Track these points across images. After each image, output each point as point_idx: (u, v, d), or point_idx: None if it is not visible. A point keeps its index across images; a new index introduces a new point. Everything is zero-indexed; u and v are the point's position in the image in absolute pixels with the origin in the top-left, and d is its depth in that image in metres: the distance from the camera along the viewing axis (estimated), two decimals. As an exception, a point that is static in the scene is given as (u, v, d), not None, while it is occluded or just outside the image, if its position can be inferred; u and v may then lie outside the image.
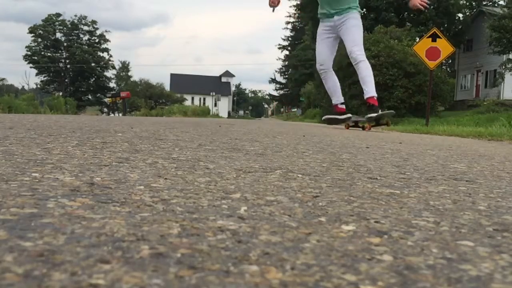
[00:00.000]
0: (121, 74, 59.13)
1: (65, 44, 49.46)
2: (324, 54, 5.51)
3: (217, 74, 67.71)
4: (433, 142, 3.29)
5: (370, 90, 5.46)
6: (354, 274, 0.47)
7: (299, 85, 42.96)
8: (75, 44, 49.30)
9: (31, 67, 48.41)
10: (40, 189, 0.79)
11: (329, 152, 1.86)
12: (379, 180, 1.14)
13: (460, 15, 32.18)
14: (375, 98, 5.41)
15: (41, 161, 1.12)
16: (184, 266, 0.46)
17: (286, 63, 56.21)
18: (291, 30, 55.53)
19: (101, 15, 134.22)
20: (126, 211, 0.67)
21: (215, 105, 42.42)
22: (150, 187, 0.88)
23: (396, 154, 1.98)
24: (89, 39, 50.99)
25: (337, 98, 5.77)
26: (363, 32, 5.71)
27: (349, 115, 5.87)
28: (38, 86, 50.74)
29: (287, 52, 56.13)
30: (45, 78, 49.63)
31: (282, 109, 74.47)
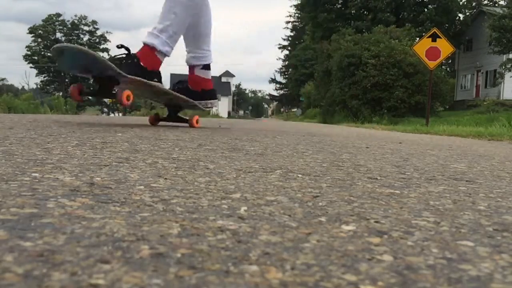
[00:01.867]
0: (121, 74, 59.02)
1: (65, 44, 49.44)
2: None
3: (217, 74, 67.72)
4: (433, 142, 3.29)
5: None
6: (354, 274, 0.47)
7: (299, 85, 42.94)
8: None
9: (31, 67, 48.44)
10: (40, 189, 0.79)
11: (329, 152, 1.86)
12: (379, 180, 1.14)
13: (461, 15, 32.16)
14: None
15: (41, 161, 1.12)
16: (184, 266, 0.46)
17: (286, 63, 56.22)
18: (291, 30, 55.52)
19: (100, 15, 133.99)
20: (126, 211, 0.67)
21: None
22: (150, 187, 0.88)
23: (396, 154, 1.98)
24: (89, 39, 51.00)
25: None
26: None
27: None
28: (38, 86, 50.75)
29: (287, 52, 56.13)
30: (45, 78, 49.64)
31: (282, 109, 74.49)
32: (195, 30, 3.12)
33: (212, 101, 3.32)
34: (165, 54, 2.92)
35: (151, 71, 2.81)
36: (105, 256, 0.47)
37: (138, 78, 2.67)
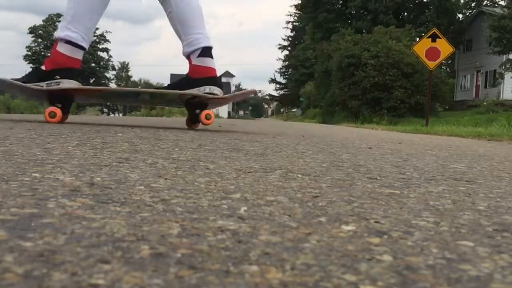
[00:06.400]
0: (121, 74, 59.10)
1: (65, 44, 49.45)
2: None
3: (217, 75, 67.73)
4: (433, 142, 3.29)
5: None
6: (354, 274, 0.47)
7: (299, 85, 42.96)
8: (75, 44, 49.32)
9: (31, 67, 48.43)
10: (40, 189, 0.79)
11: (329, 152, 1.86)
12: (379, 180, 1.14)
13: (460, 15, 32.16)
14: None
15: (41, 161, 1.12)
16: (184, 266, 0.46)
17: (286, 63, 56.26)
18: (291, 30, 55.50)
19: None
20: (126, 211, 0.67)
21: (215, 105, 42.29)
22: (150, 187, 0.88)
23: (396, 154, 1.98)
24: (89, 39, 51.02)
25: None
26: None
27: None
28: (38, 86, 50.71)
29: (287, 52, 56.16)
30: (45, 78, 49.61)
31: (282, 109, 74.49)
32: (178, 18, 2.93)
33: (211, 87, 2.93)
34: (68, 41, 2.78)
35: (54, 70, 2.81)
36: (105, 256, 0.48)
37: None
